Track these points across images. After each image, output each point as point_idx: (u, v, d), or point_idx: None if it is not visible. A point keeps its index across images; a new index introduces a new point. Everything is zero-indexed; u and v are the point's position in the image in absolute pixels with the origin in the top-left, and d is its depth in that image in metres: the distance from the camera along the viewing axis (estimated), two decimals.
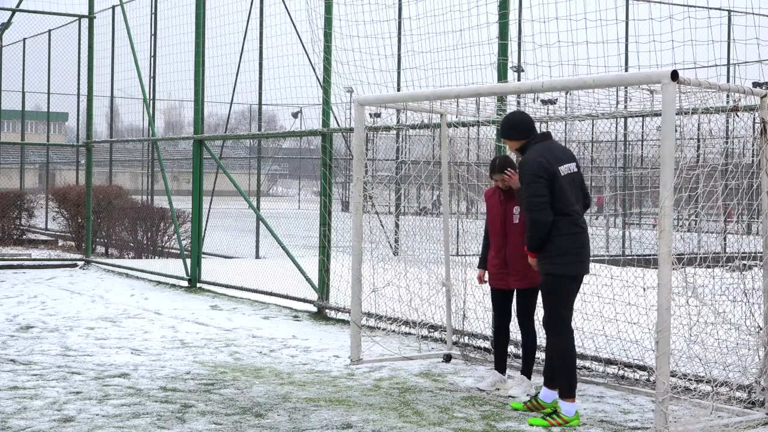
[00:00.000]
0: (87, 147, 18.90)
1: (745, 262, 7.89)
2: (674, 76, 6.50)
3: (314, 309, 12.46)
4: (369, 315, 10.59)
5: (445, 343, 9.79)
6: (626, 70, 12.39)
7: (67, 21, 24.11)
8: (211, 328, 11.21)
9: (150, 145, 27.16)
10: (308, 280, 12.73)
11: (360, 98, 9.26)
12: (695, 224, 9.20)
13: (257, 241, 21.73)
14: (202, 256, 15.60)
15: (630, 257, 10.53)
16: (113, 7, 22.50)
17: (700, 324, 7.22)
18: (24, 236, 24.55)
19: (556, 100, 11.41)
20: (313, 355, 9.63)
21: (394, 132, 13.16)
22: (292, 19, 14.97)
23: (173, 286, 15.29)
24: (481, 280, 8.40)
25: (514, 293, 8.08)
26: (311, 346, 10.12)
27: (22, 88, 31.46)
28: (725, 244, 10.95)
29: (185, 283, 15.25)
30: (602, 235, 24.15)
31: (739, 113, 7.57)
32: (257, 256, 21.35)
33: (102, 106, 26.63)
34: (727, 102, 7.57)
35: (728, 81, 22.44)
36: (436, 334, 10.20)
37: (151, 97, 23.02)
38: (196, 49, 15.34)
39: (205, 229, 15.89)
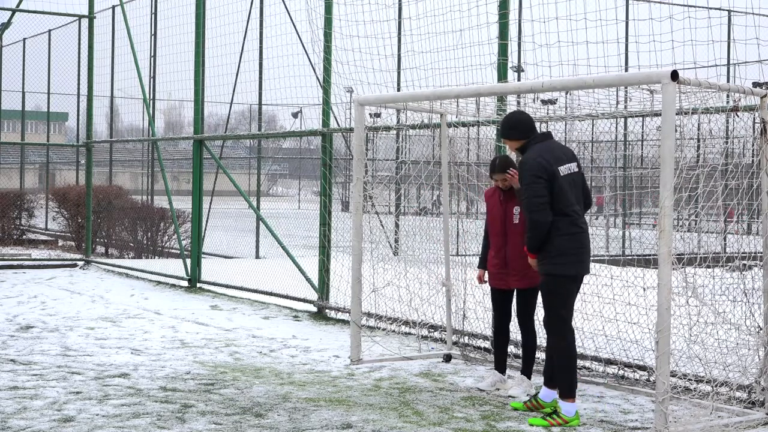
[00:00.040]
0: (87, 147, 18.90)
1: (745, 262, 7.89)
2: (674, 76, 6.50)
3: (314, 309, 12.46)
4: (369, 315, 10.59)
5: (445, 343, 9.79)
6: (626, 70, 12.39)
7: (67, 21, 24.12)
8: (211, 328, 11.21)
9: (150, 145, 27.16)
10: (308, 280, 12.73)
11: (360, 98, 9.26)
12: (695, 224, 9.20)
13: (257, 241, 21.73)
14: (202, 256, 15.60)
15: (630, 257, 10.53)
16: (113, 7, 22.51)
17: (700, 324, 7.22)
18: (24, 236, 24.55)
19: (556, 100, 11.41)
20: (313, 355, 9.63)
21: (394, 132, 13.16)
22: (292, 19, 14.98)
23: (173, 286, 15.29)
24: (481, 280, 8.40)
25: (514, 293, 8.09)
26: (311, 346, 10.12)
27: (22, 88, 31.47)
28: (725, 244, 10.95)
29: (185, 283, 15.25)
30: (602, 235, 24.15)
31: (739, 113, 7.57)
32: (257, 256, 21.35)
33: (102, 106, 26.67)
34: (727, 102, 7.57)
35: (728, 81, 22.44)
36: (436, 334, 10.20)
37: (151, 97, 23.02)
38: (196, 49, 15.34)
39: (205, 229, 15.89)
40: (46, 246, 23.67)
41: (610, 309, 8.42)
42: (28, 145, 35.71)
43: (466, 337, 9.76)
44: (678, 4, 16.32)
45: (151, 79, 23.39)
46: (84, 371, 8.58)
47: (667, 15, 8.17)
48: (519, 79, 17.78)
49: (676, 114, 6.77)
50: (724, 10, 13.93)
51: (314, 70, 13.54)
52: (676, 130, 6.72)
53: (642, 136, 26.60)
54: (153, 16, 22.32)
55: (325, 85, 12.04)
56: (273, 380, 8.38)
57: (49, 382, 8.07)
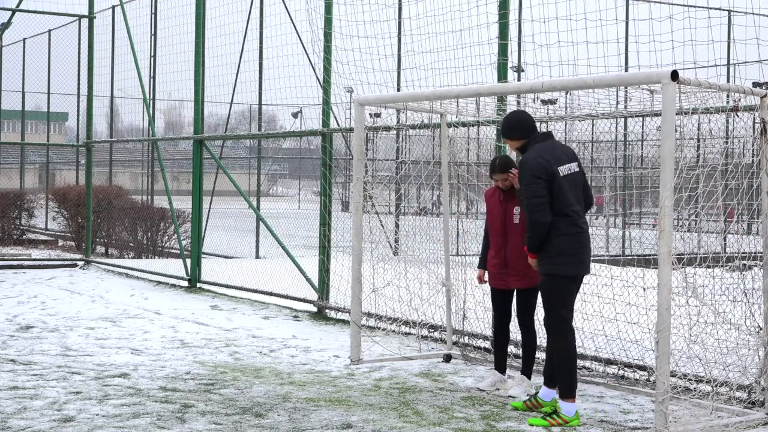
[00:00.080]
0: (87, 147, 18.90)
1: (745, 262, 7.89)
2: (674, 76, 6.50)
3: (314, 309, 12.46)
4: (369, 315, 10.59)
5: (445, 343, 9.79)
6: (626, 70, 12.39)
7: (67, 21, 24.12)
8: (211, 328, 11.21)
9: (150, 145, 27.16)
10: (308, 280, 12.73)
11: (360, 98, 9.26)
12: (695, 224, 9.20)
13: (257, 241, 21.73)
14: (202, 256, 15.60)
15: (630, 257, 10.53)
16: (113, 7, 22.51)
17: (700, 324, 7.22)
18: (24, 236, 24.55)
19: (556, 100, 11.41)
20: (313, 355, 9.63)
21: (394, 132, 13.16)
22: (292, 19, 14.98)
23: (173, 286, 15.29)
24: (481, 280, 8.40)
25: (514, 293, 8.09)
26: (311, 346, 10.12)
27: (22, 88, 31.47)
28: (725, 244, 10.95)
29: (185, 283, 15.25)
30: (602, 235, 24.16)
31: (739, 113, 7.57)
32: (257, 256, 21.35)
33: (102, 106, 26.67)
34: (727, 102, 7.57)
35: (728, 81, 22.44)
36: (436, 334, 10.20)
37: (151, 97, 23.02)
38: (196, 49, 15.34)
39: (205, 229, 15.89)
40: (46, 246, 23.67)
41: (610, 309, 8.42)
42: (28, 145, 35.72)
43: (466, 337, 9.76)
44: (678, 4, 16.32)
45: (151, 79, 23.39)
46: (84, 371, 8.58)
47: (667, 15, 8.17)
48: (519, 79, 17.78)
49: (676, 114, 6.77)
50: (724, 10, 13.93)
51: (314, 70, 13.55)
52: (676, 130, 6.72)
53: (642, 136, 26.60)
54: (153, 16, 22.32)
55: (325, 85, 12.04)
56: (273, 380, 8.38)
57: (49, 382, 8.07)
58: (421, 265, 9.99)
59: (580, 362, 8.32)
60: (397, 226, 12.58)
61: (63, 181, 33.97)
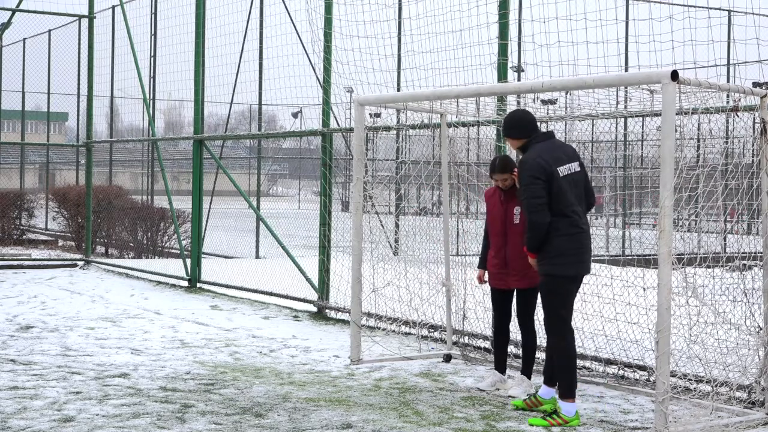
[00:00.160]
0: (87, 147, 18.90)
1: (745, 262, 7.89)
2: (674, 76, 6.50)
3: (314, 309, 12.46)
4: (369, 315, 10.59)
5: (445, 343, 9.79)
6: (626, 70, 12.39)
7: (67, 21, 24.11)
8: (211, 328, 11.21)
9: (150, 145, 27.16)
10: (308, 280, 12.73)
11: (360, 98, 9.26)
12: (695, 224, 9.20)
13: (257, 241, 21.73)
14: (202, 256, 15.60)
15: (630, 257, 10.53)
16: (113, 7, 22.51)
17: (700, 324, 7.22)
18: (24, 236, 24.55)
19: (556, 100, 11.42)
20: (313, 355, 9.63)
21: (394, 132, 13.16)
22: (292, 19, 14.98)
23: (173, 286, 15.29)
24: (480, 280, 8.40)
25: (514, 293, 8.09)
26: (311, 346, 10.12)
27: (22, 88, 31.47)
28: (725, 244, 10.95)
29: (185, 283, 15.25)
30: (602, 235, 24.16)
31: (739, 113, 7.57)
32: (257, 256, 21.35)
33: (102, 106, 26.67)
34: (727, 102, 7.57)
35: (728, 81, 22.44)
36: (436, 334, 10.20)
37: (151, 97, 23.02)
38: (196, 49, 15.34)
39: (205, 229, 15.89)
40: (46, 246, 23.67)
41: (610, 309, 8.42)
42: (28, 145, 35.71)
43: (466, 337, 9.76)
44: (678, 4, 16.32)
45: (151, 79, 23.39)
46: (84, 371, 8.58)
47: (667, 15, 8.17)
48: (519, 79, 17.78)
49: (676, 114, 6.77)
50: (724, 10, 13.93)
51: (314, 70, 13.55)
52: (676, 130, 6.72)
53: (642, 136, 26.59)
54: (153, 16, 22.32)
55: (325, 85, 12.04)
56: (273, 380, 8.38)
57: (49, 382, 8.07)
58: (421, 265, 9.99)
59: (580, 362, 8.32)
60: (397, 226, 12.58)
61: (63, 181, 33.97)
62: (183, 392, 7.81)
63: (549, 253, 7.15)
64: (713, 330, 7.35)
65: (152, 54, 22.84)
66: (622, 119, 13.80)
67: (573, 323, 7.37)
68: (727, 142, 9.07)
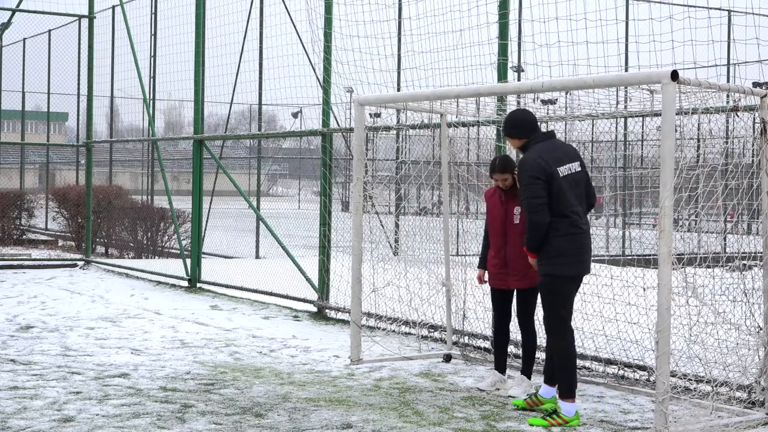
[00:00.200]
0: (87, 147, 18.90)
1: (745, 262, 7.89)
2: (674, 76, 6.50)
3: (314, 309, 12.46)
4: (369, 315, 10.59)
5: (445, 343, 9.79)
6: (626, 70, 12.39)
7: (67, 21, 24.11)
8: (211, 328, 11.21)
9: (150, 145, 27.16)
10: (308, 280, 12.73)
11: (360, 98, 9.26)
12: (695, 224, 9.20)
13: (257, 241, 21.73)
14: (202, 256, 15.60)
15: (630, 257, 10.53)
16: (113, 7, 22.51)
17: (700, 324, 7.22)
18: (24, 236, 24.55)
19: (556, 100, 11.42)
20: (313, 355, 9.63)
21: (394, 132, 13.16)
22: (292, 19, 14.98)
23: (173, 286, 15.29)
24: (480, 280, 8.40)
25: (514, 293, 8.09)
26: (311, 346, 10.12)
27: (22, 88, 31.47)
28: (725, 244, 10.95)
29: (185, 283, 15.25)
30: (602, 235, 24.16)
31: (739, 113, 7.57)
32: (257, 256, 21.35)
33: (102, 106, 26.67)
34: (727, 102, 7.57)
35: (728, 81, 22.44)
36: (436, 334, 10.20)
37: (151, 97, 23.02)
38: (196, 49, 15.34)
39: (205, 229, 15.89)
40: (46, 246, 23.67)
41: (610, 309, 8.42)
42: (28, 145, 35.71)
43: (466, 337, 9.76)
44: (678, 4, 16.32)
45: (151, 79, 23.39)
46: (84, 371, 8.58)
47: (667, 15, 8.17)
48: (519, 79, 17.78)
49: (676, 114, 6.76)
50: (724, 10, 13.92)
51: (314, 70, 13.55)
52: (676, 130, 6.72)
53: (642, 136, 26.60)
54: (153, 16, 22.32)
55: (325, 85, 12.04)
56: (273, 380, 8.38)
57: (49, 382, 8.07)
58: (421, 265, 9.99)
59: (580, 362, 8.32)
60: (397, 226, 12.58)
61: (63, 181, 33.97)
62: (183, 392, 7.81)
63: (549, 253, 7.15)
64: (713, 330, 7.35)
65: (152, 54, 22.84)
66: (622, 119, 13.80)
67: (573, 323, 7.37)
68: (727, 142, 9.07)
